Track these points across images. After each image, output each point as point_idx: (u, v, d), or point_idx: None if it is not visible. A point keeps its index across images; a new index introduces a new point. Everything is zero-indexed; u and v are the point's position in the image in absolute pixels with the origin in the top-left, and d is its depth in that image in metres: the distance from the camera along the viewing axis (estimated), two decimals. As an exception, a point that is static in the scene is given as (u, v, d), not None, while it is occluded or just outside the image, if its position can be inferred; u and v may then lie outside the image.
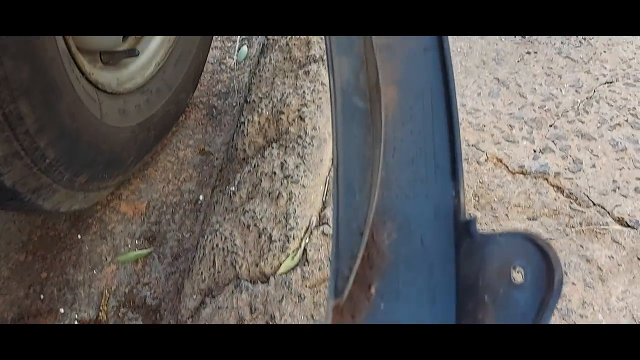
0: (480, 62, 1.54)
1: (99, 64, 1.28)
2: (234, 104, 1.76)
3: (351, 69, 0.59)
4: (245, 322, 1.13)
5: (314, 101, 1.45)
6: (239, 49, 1.92)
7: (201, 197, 1.54)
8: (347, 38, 0.60)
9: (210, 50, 1.77)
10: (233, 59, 1.88)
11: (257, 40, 1.94)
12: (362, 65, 0.59)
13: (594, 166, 1.30)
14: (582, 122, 1.38)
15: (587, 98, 1.43)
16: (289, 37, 1.65)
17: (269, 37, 1.76)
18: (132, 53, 1.35)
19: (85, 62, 1.14)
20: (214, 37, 1.85)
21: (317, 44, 1.60)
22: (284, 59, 1.61)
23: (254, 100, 1.58)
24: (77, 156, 1.08)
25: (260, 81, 1.62)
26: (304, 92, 1.48)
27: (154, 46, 1.46)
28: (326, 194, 1.31)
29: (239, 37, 1.94)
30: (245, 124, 1.52)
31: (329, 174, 1.34)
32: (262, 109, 1.51)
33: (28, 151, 0.94)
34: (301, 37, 1.63)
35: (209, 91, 1.79)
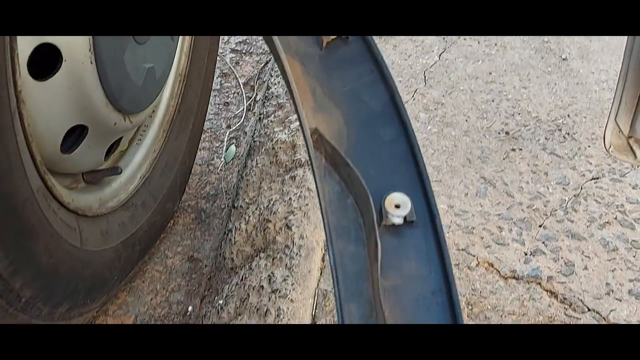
0: (465, 161, 1.53)
1: (81, 185, 1.27)
2: (223, 207, 1.75)
3: (360, 314, 0.58)
4: None
5: (300, 208, 1.44)
6: (227, 148, 1.92)
7: (190, 309, 1.50)
8: (356, 283, 0.60)
9: (198, 151, 1.78)
10: (221, 160, 1.88)
11: (245, 139, 1.94)
12: (372, 311, 0.59)
13: (586, 268, 1.28)
14: (572, 222, 1.36)
15: (574, 196, 1.42)
16: (274, 141, 1.65)
17: (255, 138, 1.76)
18: (115, 171, 1.34)
19: (63, 191, 1.13)
20: (201, 138, 1.86)
21: (303, 147, 1.60)
22: (270, 162, 1.61)
23: (241, 206, 1.57)
24: (56, 290, 1.06)
25: (247, 185, 1.62)
26: (290, 198, 1.47)
27: (138, 159, 1.46)
28: (315, 308, 1.28)
29: (226, 136, 1.95)
30: (233, 231, 1.51)
31: (317, 285, 1.31)
32: (249, 216, 1.50)
33: (2, 294, 0.92)
34: (287, 140, 1.63)
35: (197, 194, 1.79)
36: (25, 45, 0.97)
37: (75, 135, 1.17)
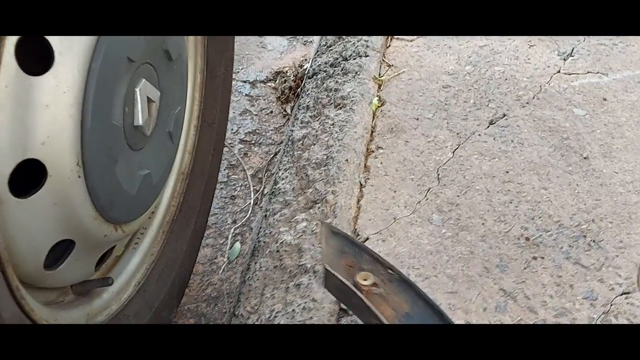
0: (483, 270, 1.43)
1: (69, 297, 1.19)
2: (224, 311, 1.65)
3: None
4: None
5: (304, 322, 1.34)
6: (232, 246, 1.84)
7: None
8: None
9: (201, 248, 1.69)
10: (225, 259, 1.80)
11: (250, 236, 1.86)
12: None
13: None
14: (600, 343, 1.24)
15: (604, 313, 1.31)
16: (279, 242, 1.57)
17: (260, 237, 1.68)
18: (106, 282, 1.26)
19: (44, 312, 1.04)
20: (204, 235, 1.78)
21: (309, 251, 1.51)
22: (275, 267, 1.52)
23: (242, 314, 1.47)
24: None
25: (249, 291, 1.52)
26: (293, 310, 1.37)
27: (134, 265, 1.38)
28: None
29: (231, 233, 1.87)
30: (232, 344, 1.40)
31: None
32: (249, 328, 1.40)
33: None
34: (292, 242, 1.55)
35: (197, 296, 1.69)
36: (6, 162, 0.90)
37: (60, 250, 1.10)
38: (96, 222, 1.09)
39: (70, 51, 0.96)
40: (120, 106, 1.08)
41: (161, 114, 1.25)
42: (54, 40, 0.94)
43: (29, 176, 0.97)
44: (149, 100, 1.18)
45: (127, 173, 1.15)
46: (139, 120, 1.14)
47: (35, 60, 0.93)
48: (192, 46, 1.48)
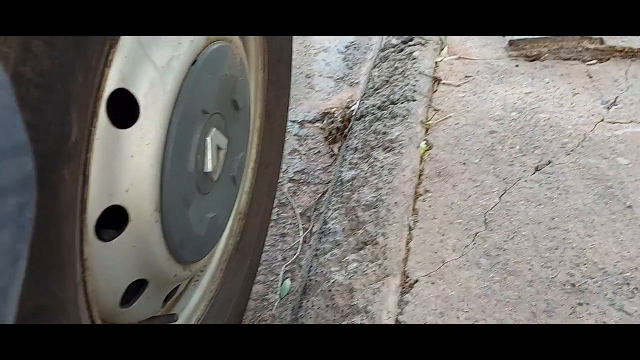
0: (530, 315, 1.47)
1: (137, 332, 1.26)
2: (275, 347, 1.70)
3: None
4: None
5: (356, 361, 1.38)
6: (282, 283, 1.90)
7: None
8: None
9: (253, 285, 1.76)
10: (276, 295, 1.86)
11: (300, 273, 1.92)
12: None
13: None
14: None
15: (651, 362, 1.33)
16: (330, 282, 1.63)
17: (311, 276, 1.74)
18: (171, 319, 1.33)
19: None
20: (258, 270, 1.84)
21: (360, 292, 1.56)
22: (327, 306, 1.58)
23: (295, 351, 1.53)
24: None
25: (301, 328, 1.58)
26: (346, 349, 1.42)
27: (194, 301, 1.45)
28: None
29: (282, 270, 1.93)
30: (286, 380, 1.45)
31: None
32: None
33: None
34: (343, 282, 1.60)
35: (250, 332, 1.75)
36: (95, 209, 0.98)
37: (134, 289, 1.17)
38: (169, 263, 1.17)
39: (154, 105, 1.04)
40: (194, 154, 1.16)
41: (227, 160, 1.33)
42: (139, 96, 1.02)
43: (110, 221, 1.05)
44: (218, 148, 1.26)
45: (197, 216, 1.22)
46: (209, 167, 1.22)
47: (123, 114, 1.02)
48: (253, 93, 1.57)
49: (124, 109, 1.02)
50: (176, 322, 1.35)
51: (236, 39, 1.33)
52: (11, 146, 0.53)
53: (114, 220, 1.07)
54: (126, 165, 1.01)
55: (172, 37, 1.08)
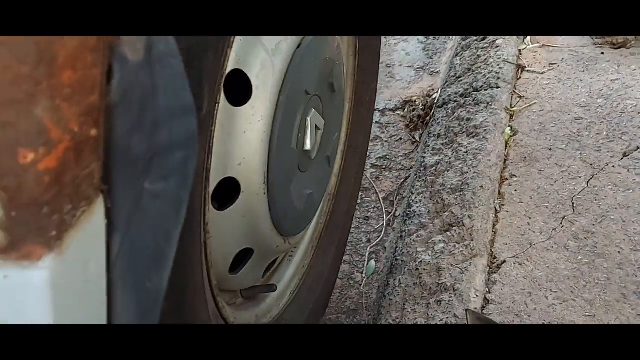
0: (620, 296, 1.48)
1: (238, 300, 1.34)
2: (363, 322, 1.77)
3: None
4: None
5: (446, 336, 1.43)
6: (367, 263, 1.96)
7: None
8: None
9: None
10: (363, 275, 1.92)
11: (385, 255, 1.98)
12: None
13: None
14: None
15: None
16: (417, 261, 1.67)
17: (397, 256, 1.79)
18: (271, 289, 1.41)
19: (229, 310, 1.20)
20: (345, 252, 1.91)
21: (448, 270, 1.61)
22: (414, 284, 1.63)
23: (383, 326, 1.58)
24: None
25: (390, 305, 1.64)
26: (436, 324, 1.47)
27: (289, 275, 1.53)
28: None
29: (367, 251, 1.99)
30: (375, 352, 1.52)
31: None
32: (392, 339, 1.50)
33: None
34: (431, 262, 1.65)
35: (338, 308, 1.82)
36: (212, 180, 1.07)
37: (241, 257, 1.25)
38: (272, 234, 1.25)
39: (265, 85, 1.11)
40: (296, 132, 1.24)
41: (323, 140, 1.40)
42: (252, 76, 1.10)
43: (226, 193, 1.13)
44: (316, 128, 1.33)
45: (297, 192, 1.30)
46: (308, 145, 1.29)
47: (238, 93, 1.10)
48: (345, 78, 1.63)
49: (238, 88, 1.11)
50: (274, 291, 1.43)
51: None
52: (180, 107, 0.60)
53: (225, 191, 1.15)
54: (239, 140, 1.09)
55: (281, 21, 1.15)
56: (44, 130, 0.50)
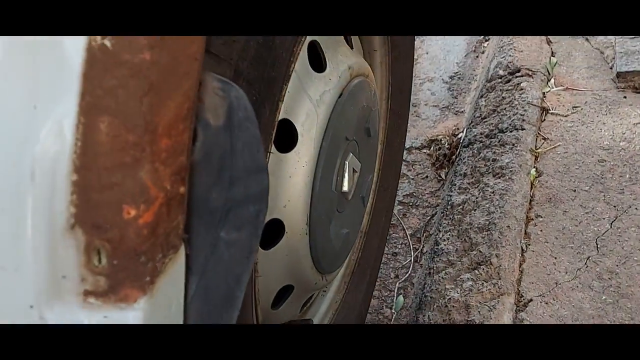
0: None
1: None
2: (391, 358, 1.82)
3: None
4: None
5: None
6: (396, 298, 2.02)
7: None
8: None
9: (369, 300, 1.88)
10: (392, 310, 1.98)
11: (412, 290, 2.03)
12: None
13: None
14: None
15: None
16: (446, 298, 1.73)
17: (425, 292, 1.85)
18: (307, 322, 1.47)
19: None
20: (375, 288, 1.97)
21: (476, 307, 1.66)
22: (443, 320, 1.68)
23: (413, 362, 1.64)
24: None
25: (419, 341, 1.69)
26: (464, 361, 1.52)
27: (323, 310, 1.59)
28: None
29: (396, 286, 2.05)
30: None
31: None
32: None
33: None
34: (459, 299, 1.70)
35: (367, 343, 1.88)
36: (260, 220, 1.14)
37: (281, 294, 1.32)
38: (312, 272, 1.31)
39: (309, 133, 1.19)
40: (335, 176, 1.31)
41: (359, 182, 1.47)
42: (298, 124, 1.18)
43: (268, 233, 1.21)
44: (354, 171, 1.40)
45: (335, 231, 1.37)
46: (346, 187, 1.36)
47: (284, 140, 1.18)
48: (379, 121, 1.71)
49: (285, 136, 1.19)
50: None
51: (371, 74, 1.48)
52: (255, 166, 0.68)
53: (269, 232, 1.23)
54: (285, 184, 1.17)
55: (324, 74, 1.24)
56: (145, 190, 0.58)
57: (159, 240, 0.62)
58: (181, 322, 0.69)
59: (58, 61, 0.56)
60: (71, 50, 0.56)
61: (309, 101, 1.19)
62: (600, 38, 2.78)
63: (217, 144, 0.67)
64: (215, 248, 0.70)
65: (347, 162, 1.35)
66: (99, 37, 0.56)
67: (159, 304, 0.62)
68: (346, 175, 1.36)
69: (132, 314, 0.60)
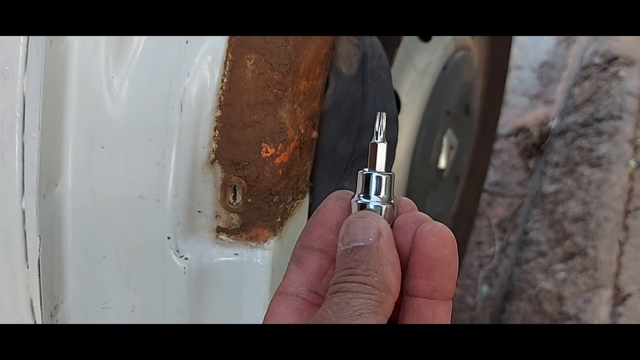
0: None
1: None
2: (475, 346, 1.77)
3: None
4: None
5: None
6: (480, 287, 1.97)
7: None
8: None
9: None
10: (476, 299, 1.93)
11: (497, 280, 1.98)
12: None
13: None
14: None
15: None
16: (537, 288, 1.67)
17: (513, 282, 1.79)
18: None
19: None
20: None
21: (570, 299, 1.60)
22: (533, 310, 1.62)
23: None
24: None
25: (506, 329, 1.64)
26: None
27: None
28: None
29: (480, 276, 2.00)
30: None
31: None
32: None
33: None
34: (552, 290, 1.64)
35: (449, 329, 1.83)
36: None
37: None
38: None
39: (412, 103, 1.16)
40: (433, 150, 1.28)
41: (454, 160, 1.43)
42: (402, 94, 1.15)
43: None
44: (450, 147, 1.37)
45: (430, 208, 1.34)
46: (443, 163, 1.33)
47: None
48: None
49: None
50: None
51: (473, 48, 1.43)
52: (387, 115, 0.66)
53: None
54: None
55: (430, 44, 1.20)
56: (284, 129, 0.57)
57: (291, 183, 0.61)
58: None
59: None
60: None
61: (414, 71, 1.16)
62: None
63: (348, 93, 0.65)
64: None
65: (445, 138, 1.32)
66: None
67: (285, 247, 0.61)
68: (444, 151, 1.33)
69: (261, 253, 0.59)
